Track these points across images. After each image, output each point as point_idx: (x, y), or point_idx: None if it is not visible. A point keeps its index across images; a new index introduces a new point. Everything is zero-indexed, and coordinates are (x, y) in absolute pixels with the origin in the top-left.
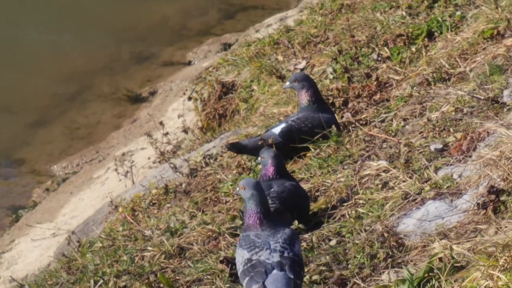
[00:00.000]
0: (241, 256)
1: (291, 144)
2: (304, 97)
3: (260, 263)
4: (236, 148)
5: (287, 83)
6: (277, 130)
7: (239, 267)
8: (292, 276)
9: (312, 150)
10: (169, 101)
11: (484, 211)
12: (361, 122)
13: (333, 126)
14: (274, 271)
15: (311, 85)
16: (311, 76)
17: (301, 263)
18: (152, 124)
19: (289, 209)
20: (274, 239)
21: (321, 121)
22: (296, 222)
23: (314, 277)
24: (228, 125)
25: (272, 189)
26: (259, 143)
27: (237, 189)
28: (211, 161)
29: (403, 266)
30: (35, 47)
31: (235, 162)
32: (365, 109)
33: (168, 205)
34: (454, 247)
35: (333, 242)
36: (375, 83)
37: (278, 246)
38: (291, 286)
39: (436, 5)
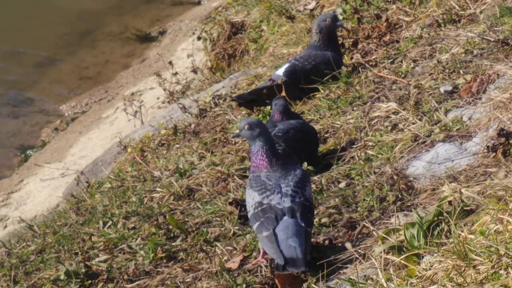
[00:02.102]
0: (252, 198)
1: (297, 83)
2: (313, 36)
3: (271, 208)
4: (242, 99)
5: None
6: (281, 71)
7: (249, 209)
8: (303, 224)
9: (322, 91)
10: (178, 41)
11: (494, 154)
12: (370, 63)
13: (343, 67)
14: (285, 218)
15: (322, 30)
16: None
17: (311, 208)
18: (161, 63)
19: (296, 150)
20: (285, 182)
21: (324, 57)
22: (305, 164)
23: (323, 220)
24: (237, 65)
25: (277, 128)
26: (268, 83)
27: (237, 131)
28: (220, 101)
29: (412, 209)
30: None
31: None
32: (375, 51)
33: (177, 145)
34: (463, 190)
35: (342, 185)
36: (385, 24)
37: (290, 190)
38: (302, 235)
39: None
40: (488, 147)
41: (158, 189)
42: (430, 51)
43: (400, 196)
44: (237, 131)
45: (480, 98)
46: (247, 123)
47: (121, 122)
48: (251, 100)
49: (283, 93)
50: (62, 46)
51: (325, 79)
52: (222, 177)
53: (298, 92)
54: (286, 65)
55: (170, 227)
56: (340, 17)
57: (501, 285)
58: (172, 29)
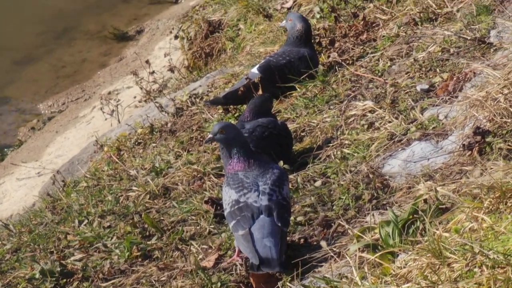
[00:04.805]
0: (229, 196)
1: (272, 79)
2: (290, 34)
3: (247, 206)
4: (216, 103)
5: (283, 21)
6: (255, 69)
7: (226, 207)
8: (279, 224)
9: (298, 90)
10: (156, 40)
11: (470, 152)
12: (347, 62)
13: (319, 66)
14: (262, 216)
15: (302, 24)
16: None
17: (288, 207)
18: (138, 62)
19: (264, 149)
20: (263, 180)
21: (299, 53)
22: (281, 162)
23: (299, 219)
24: (214, 64)
25: (245, 128)
26: (245, 82)
27: (210, 135)
28: (197, 100)
29: (388, 208)
30: None
31: None
32: (352, 49)
33: (154, 144)
34: (439, 188)
35: (318, 183)
36: (362, 22)
37: (267, 188)
38: (278, 235)
39: None
40: (464, 145)
41: (134, 188)
42: (407, 49)
43: (375, 194)
44: (210, 135)
45: (456, 97)
46: (220, 127)
47: (98, 121)
48: (226, 103)
49: (260, 92)
50: (39, 45)
51: (302, 77)
52: (198, 175)
53: (273, 89)
54: (261, 62)
55: (146, 226)
56: (317, 16)
57: (475, 283)
58: (149, 28)
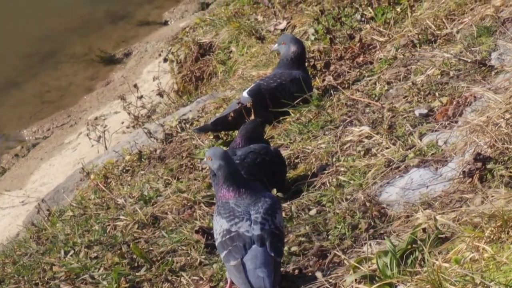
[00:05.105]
0: (220, 225)
1: (263, 103)
2: (283, 57)
3: (239, 236)
4: (205, 130)
5: (275, 45)
6: (245, 93)
7: (217, 237)
8: (273, 254)
9: (292, 115)
10: (144, 63)
11: (470, 179)
12: (343, 85)
13: (314, 90)
14: (254, 246)
15: (297, 46)
16: None
17: (282, 236)
18: (126, 87)
19: (256, 176)
20: (255, 209)
21: (291, 75)
22: (274, 190)
23: (293, 249)
24: (205, 88)
25: (236, 155)
26: (237, 106)
27: (204, 160)
28: (187, 126)
29: (385, 237)
30: (4, 6)
31: None
32: (348, 72)
33: (142, 172)
34: (438, 217)
35: (313, 212)
36: (358, 44)
37: (259, 217)
38: (271, 265)
39: None
40: (464, 172)
41: (121, 217)
42: (405, 72)
43: (372, 223)
44: (204, 159)
45: (456, 122)
46: (209, 154)
47: (84, 148)
48: (216, 130)
49: (252, 117)
50: (24, 68)
51: (295, 102)
52: (188, 204)
53: (265, 113)
54: (251, 86)
55: (134, 256)
56: (312, 37)
57: None
58: (137, 50)
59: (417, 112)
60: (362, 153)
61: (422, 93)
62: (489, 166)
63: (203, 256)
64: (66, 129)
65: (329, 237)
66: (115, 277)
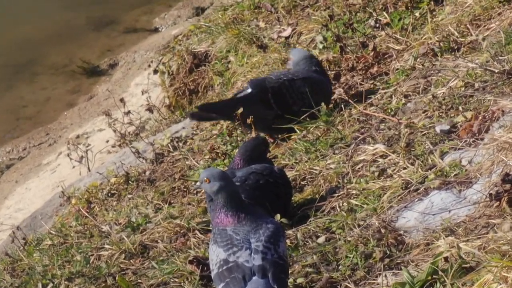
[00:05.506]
0: (216, 255)
1: (264, 96)
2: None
3: (238, 266)
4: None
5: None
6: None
7: (213, 268)
8: (276, 287)
9: (298, 131)
10: (132, 75)
11: (498, 203)
12: (355, 99)
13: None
14: (255, 278)
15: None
16: (297, 45)
17: (286, 267)
18: (111, 101)
19: (258, 200)
20: (256, 236)
21: (306, 73)
22: (278, 216)
23: (299, 280)
24: (200, 102)
25: (236, 177)
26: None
27: (198, 183)
28: (180, 144)
29: (402, 267)
30: None
31: (208, 146)
32: (360, 84)
33: (130, 196)
34: (462, 245)
35: (321, 240)
36: (372, 53)
37: (260, 245)
38: None
39: None
40: (491, 195)
41: (106, 246)
42: (425, 84)
43: (388, 252)
44: (198, 183)
45: (482, 139)
46: (205, 175)
47: (65, 170)
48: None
49: (253, 133)
50: None
51: (301, 118)
52: (182, 231)
53: (265, 111)
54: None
55: None
56: (320, 46)
57: None
58: (124, 61)
59: (438, 129)
60: (376, 174)
61: (443, 107)
62: None
63: None
64: (44, 148)
65: (340, 267)
66: None
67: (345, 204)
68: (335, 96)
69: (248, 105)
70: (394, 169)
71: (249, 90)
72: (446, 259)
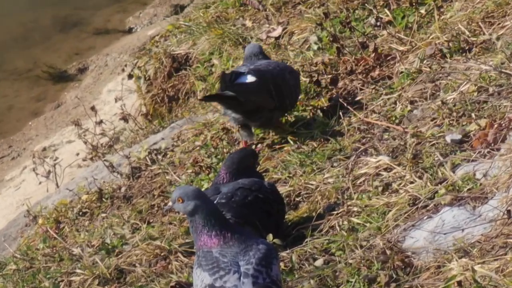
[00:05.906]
0: (201, 280)
1: (266, 86)
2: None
3: None
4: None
5: None
6: (246, 77)
7: None
8: None
9: (291, 142)
10: (104, 80)
11: None
12: (355, 106)
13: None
14: None
15: None
16: (289, 46)
17: None
18: (81, 110)
19: (247, 219)
20: (245, 258)
21: (285, 65)
22: (270, 236)
23: None
24: (180, 111)
25: (221, 193)
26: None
27: (170, 203)
28: (159, 157)
29: None
30: None
31: (190, 159)
32: (360, 89)
33: (103, 215)
34: (477, 267)
35: (319, 262)
36: (373, 55)
37: (251, 268)
38: None
39: None
40: (509, 211)
41: (78, 270)
42: (432, 89)
43: (394, 275)
44: (170, 203)
45: (498, 149)
46: (178, 194)
47: (30, 186)
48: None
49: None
50: None
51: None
52: (162, 254)
53: (269, 99)
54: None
55: None
56: (315, 47)
57: None
58: (95, 65)
59: (448, 138)
60: (380, 189)
61: (454, 114)
62: None
63: None
64: (6, 162)
65: None
66: None
67: (345, 222)
68: (332, 102)
69: (256, 94)
70: (400, 184)
71: (254, 79)
72: (459, 283)
